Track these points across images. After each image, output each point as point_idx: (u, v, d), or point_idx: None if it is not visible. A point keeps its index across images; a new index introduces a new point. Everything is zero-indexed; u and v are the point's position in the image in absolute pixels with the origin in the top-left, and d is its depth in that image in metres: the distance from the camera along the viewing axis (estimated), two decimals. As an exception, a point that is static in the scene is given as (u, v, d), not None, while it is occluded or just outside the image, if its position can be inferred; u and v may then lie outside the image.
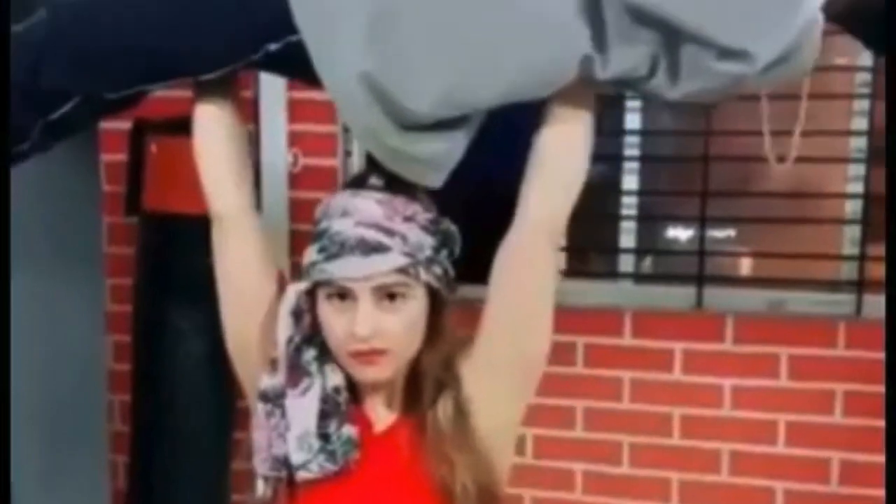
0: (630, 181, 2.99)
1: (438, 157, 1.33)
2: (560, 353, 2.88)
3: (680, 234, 3.21)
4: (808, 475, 2.84)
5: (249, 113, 2.62)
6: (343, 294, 1.31)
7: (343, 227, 1.31)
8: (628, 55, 1.29)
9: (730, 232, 3.20)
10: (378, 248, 1.29)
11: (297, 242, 2.93)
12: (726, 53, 1.25)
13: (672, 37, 1.27)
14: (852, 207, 2.85)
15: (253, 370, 1.42)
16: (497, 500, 1.40)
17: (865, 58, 2.76)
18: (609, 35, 1.27)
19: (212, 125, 1.45)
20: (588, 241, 3.10)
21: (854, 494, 2.81)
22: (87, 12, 1.41)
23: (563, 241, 2.92)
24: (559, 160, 1.36)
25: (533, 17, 1.26)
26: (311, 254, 1.35)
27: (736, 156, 2.93)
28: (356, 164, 3.01)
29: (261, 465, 1.38)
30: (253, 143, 2.80)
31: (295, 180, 2.91)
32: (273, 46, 1.34)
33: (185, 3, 1.36)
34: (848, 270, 2.86)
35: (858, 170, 2.82)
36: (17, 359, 2.80)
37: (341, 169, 3.00)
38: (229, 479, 2.94)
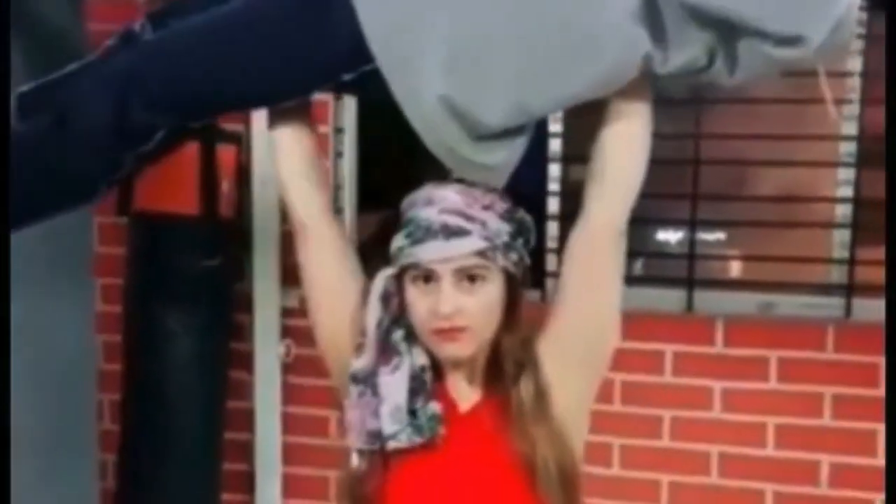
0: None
1: (503, 161, 1.44)
2: (550, 356, 2.92)
3: (670, 236, 3.22)
4: (797, 478, 2.86)
5: (241, 116, 2.62)
6: (427, 277, 1.42)
7: (428, 215, 1.43)
8: (687, 49, 1.36)
9: (720, 235, 3.21)
10: (459, 233, 1.40)
11: (289, 244, 2.94)
12: (783, 41, 1.32)
13: (729, 29, 1.33)
14: (842, 211, 2.86)
15: (343, 359, 1.51)
16: (576, 477, 1.49)
17: (855, 63, 2.78)
18: (668, 32, 1.34)
19: (291, 142, 1.55)
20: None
21: (843, 497, 2.82)
22: (167, 55, 1.53)
23: (552, 240, 2.93)
24: (621, 162, 1.45)
25: (593, 23, 1.34)
26: (398, 240, 1.45)
27: (727, 159, 2.94)
28: (347, 164, 3.01)
29: (355, 439, 1.47)
30: (244, 145, 2.81)
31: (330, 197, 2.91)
32: (347, 76, 1.45)
33: (264, 39, 1.46)
34: (837, 274, 2.87)
35: (848, 174, 2.83)
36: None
37: (332, 170, 3.00)
38: (219, 479, 2.94)
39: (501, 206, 1.46)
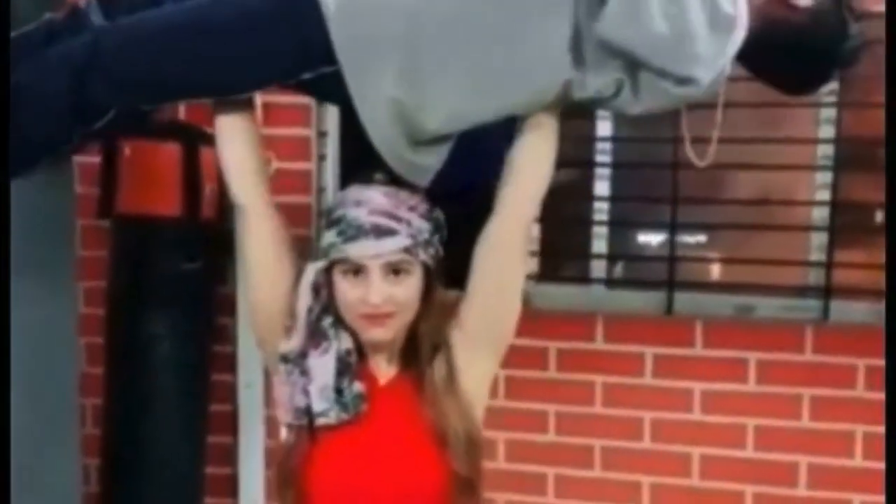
0: (601, 187, 3.02)
1: (434, 163, 1.61)
2: (532, 358, 2.94)
3: (651, 239, 3.24)
4: (776, 479, 2.88)
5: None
6: (357, 269, 1.57)
7: (358, 214, 1.57)
8: (599, 79, 1.56)
9: (700, 238, 3.24)
10: (388, 232, 1.56)
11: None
12: (680, 81, 1.53)
13: (635, 66, 1.54)
14: (819, 214, 2.89)
15: (273, 339, 1.65)
16: (479, 445, 1.64)
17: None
18: (587, 61, 1.55)
19: (235, 130, 1.66)
20: (560, 246, 3.13)
21: (822, 498, 2.85)
22: (130, 40, 1.62)
23: (533, 242, 2.95)
24: (535, 165, 1.63)
25: (531, 48, 1.53)
26: (328, 237, 1.59)
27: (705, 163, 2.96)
28: (330, 167, 3.02)
29: (284, 415, 1.63)
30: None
31: (269, 183, 2.91)
32: (306, 75, 1.58)
33: (224, 33, 1.58)
34: (815, 277, 2.90)
35: (825, 177, 2.86)
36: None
37: (315, 172, 3.01)
38: (202, 482, 2.94)
39: (423, 206, 1.62)
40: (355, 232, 1.56)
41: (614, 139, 3.01)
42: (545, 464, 3.01)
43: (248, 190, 1.67)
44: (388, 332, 1.61)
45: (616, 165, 3.03)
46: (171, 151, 2.67)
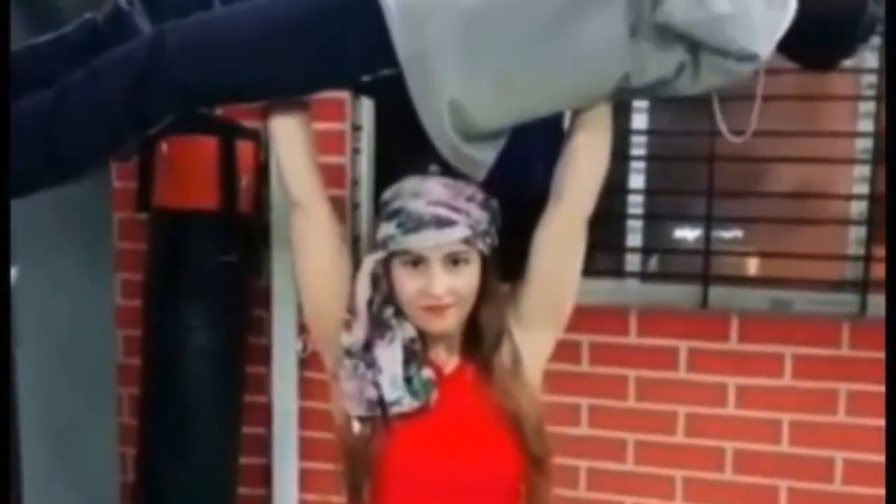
0: (637, 180, 3.01)
1: (490, 157, 1.63)
2: (565, 351, 2.92)
3: (686, 233, 3.22)
4: (811, 474, 2.86)
5: (260, 113, 2.64)
6: (417, 261, 1.59)
7: (417, 206, 1.58)
8: (661, 65, 1.57)
9: (735, 232, 3.22)
10: (448, 223, 1.57)
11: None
12: (741, 58, 1.55)
13: (696, 47, 1.55)
14: (857, 208, 2.86)
15: (330, 332, 1.68)
16: (544, 426, 1.68)
17: (871, 60, 2.78)
18: (645, 49, 1.55)
19: (293, 131, 1.67)
20: (595, 239, 3.09)
21: (857, 494, 2.83)
22: (195, 43, 1.59)
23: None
24: (593, 157, 1.67)
25: (590, 40, 1.54)
26: (386, 229, 1.61)
27: (742, 156, 2.94)
28: (364, 161, 3.03)
29: (355, 408, 1.63)
30: (263, 142, 2.83)
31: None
32: (366, 78, 1.59)
33: (287, 35, 1.57)
34: (853, 271, 2.88)
35: (864, 171, 2.83)
36: (29, 351, 2.84)
37: (349, 166, 3.02)
38: (237, 472, 2.97)
39: (480, 196, 1.63)
40: (415, 224, 1.57)
41: (650, 132, 2.99)
42: (577, 457, 3.00)
43: (307, 188, 1.67)
44: (449, 323, 1.63)
45: (651, 158, 3.01)
46: (207, 146, 2.69)
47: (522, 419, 1.63)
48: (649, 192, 3.03)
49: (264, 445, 3.10)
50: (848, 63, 2.86)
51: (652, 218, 3.07)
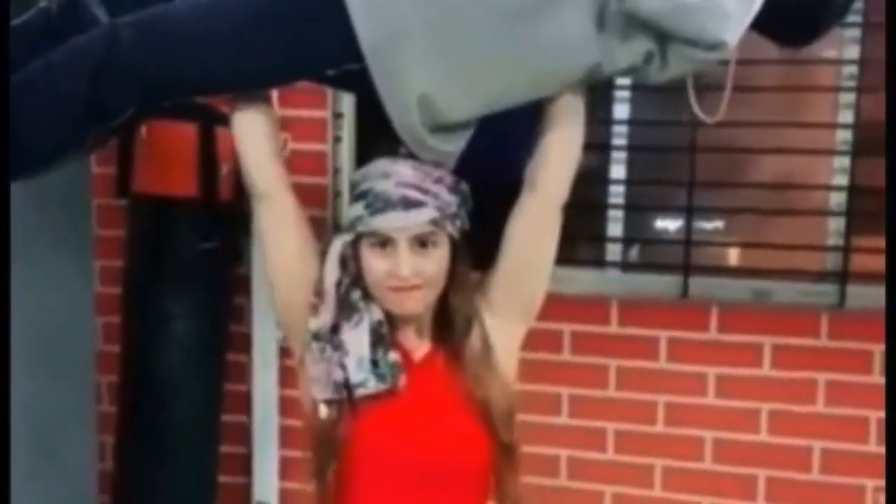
0: (618, 171, 3.01)
1: (456, 149, 1.63)
2: (546, 340, 2.93)
3: (667, 223, 3.23)
4: (790, 463, 2.87)
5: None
6: (384, 242, 1.58)
7: (386, 187, 1.57)
8: (629, 53, 1.56)
9: (716, 222, 3.22)
10: (416, 204, 1.56)
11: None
12: (710, 46, 1.54)
13: (664, 36, 1.54)
14: (837, 199, 2.87)
15: (301, 321, 1.65)
16: (515, 410, 1.68)
17: (852, 51, 2.79)
18: (614, 38, 1.55)
19: (254, 123, 1.66)
20: (576, 229, 3.08)
21: (835, 483, 2.84)
22: (153, 34, 1.58)
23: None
24: (565, 145, 1.66)
25: (557, 29, 1.53)
26: (355, 210, 1.61)
27: (723, 147, 2.95)
28: (346, 149, 3.02)
29: (321, 392, 1.63)
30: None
31: (285, 165, 2.91)
32: (330, 72, 1.58)
33: (248, 28, 1.55)
34: (832, 261, 2.89)
35: (843, 162, 2.84)
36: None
37: (330, 154, 3.01)
38: (217, 460, 2.96)
39: (449, 179, 1.63)
40: (383, 204, 1.56)
41: (631, 122, 2.99)
42: (558, 446, 3.01)
43: (269, 177, 1.67)
44: (417, 305, 1.62)
45: (632, 148, 3.01)
46: (186, 131, 2.67)
47: (492, 407, 1.63)
48: (630, 182, 3.03)
49: (245, 434, 3.10)
50: (829, 54, 2.89)
51: (633, 208, 3.07)
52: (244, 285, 2.98)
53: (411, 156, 1.61)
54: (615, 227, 3.04)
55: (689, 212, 2.95)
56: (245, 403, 3.06)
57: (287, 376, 3.02)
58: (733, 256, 3.23)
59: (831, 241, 2.89)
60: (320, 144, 2.99)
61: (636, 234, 3.16)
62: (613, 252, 3.07)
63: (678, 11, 1.49)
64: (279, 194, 1.68)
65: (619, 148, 3.00)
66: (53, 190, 2.83)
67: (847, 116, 2.83)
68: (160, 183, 2.71)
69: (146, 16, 1.60)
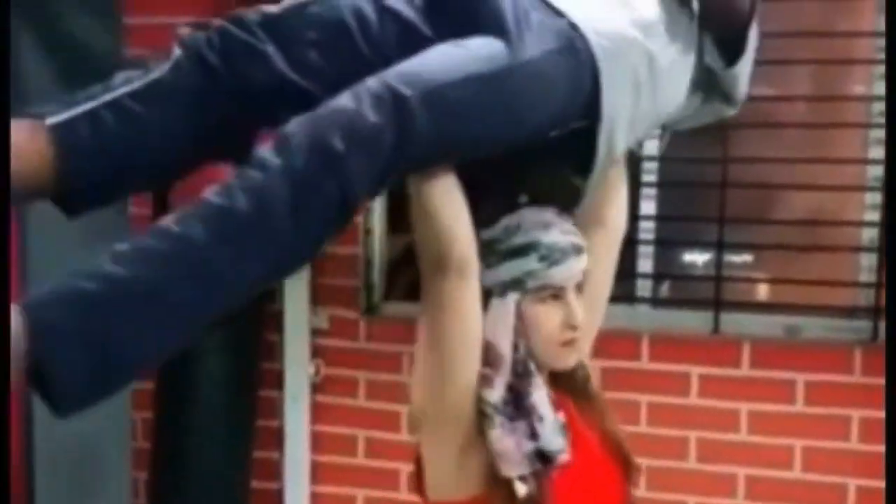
0: (648, 206, 3.02)
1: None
2: (577, 376, 2.93)
3: (697, 259, 3.23)
4: (824, 500, 2.85)
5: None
6: (557, 294, 1.49)
7: (555, 238, 1.49)
8: (689, 106, 1.70)
9: (747, 258, 3.22)
10: (581, 250, 1.52)
11: (319, 264, 2.98)
12: (736, 104, 1.74)
13: (711, 92, 1.71)
14: (868, 235, 2.87)
15: (464, 400, 1.46)
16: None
17: (881, 87, 2.79)
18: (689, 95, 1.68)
19: (446, 182, 1.41)
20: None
21: (870, 521, 2.82)
22: (441, 110, 1.28)
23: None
24: (622, 180, 1.73)
25: (679, 90, 1.65)
26: (522, 265, 1.49)
27: (753, 182, 2.95)
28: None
29: (515, 468, 1.45)
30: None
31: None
32: (553, 133, 1.45)
33: (532, 90, 1.38)
34: (864, 297, 2.88)
35: (875, 198, 2.84)
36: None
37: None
38: (249, 496, 2.97)
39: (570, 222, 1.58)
40: (560, 255, 1.48)
41: (661, 158, 3.00)
42: (590, 483, 3.00)
43: (467, 243, 1.43)
44: (576, 356, 1.55)
45: (663, 185, 3.03)
46: (221, 172, 2.71)
47: (623, 442, 1.58)
48: (660, 218, 3.04)
49: (276, 470, 3.11)
50: (858, 90, 2.90)
51: (663, 244, 3.08)
52: (276, 322, 3.00)
53: (531, 203, 1.54)
54: (646, 263, 3.04)
55: (720, 248, 2.95)
56: (277, 440, 3.08)
57: (318, 412, 3.04)
58: (763, 291, 3.23)
59: (863, 277, 2.88)
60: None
61: (667, 269, 3.16)
62: (644, 288, 3.07)
63: (741, 75, 1.65)
64: (472, 261, 1.45)
65: (649, 185, 3.01)
66: (94, 227, 2.87)
67: (878, 152, 2.83)
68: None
69: (426, 84, 1.27)
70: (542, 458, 1.45)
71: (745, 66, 1.68)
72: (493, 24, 1.38)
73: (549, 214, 1.52)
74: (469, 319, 1.45)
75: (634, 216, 3.00)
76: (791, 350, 2.87)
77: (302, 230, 1.17)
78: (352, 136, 1.17)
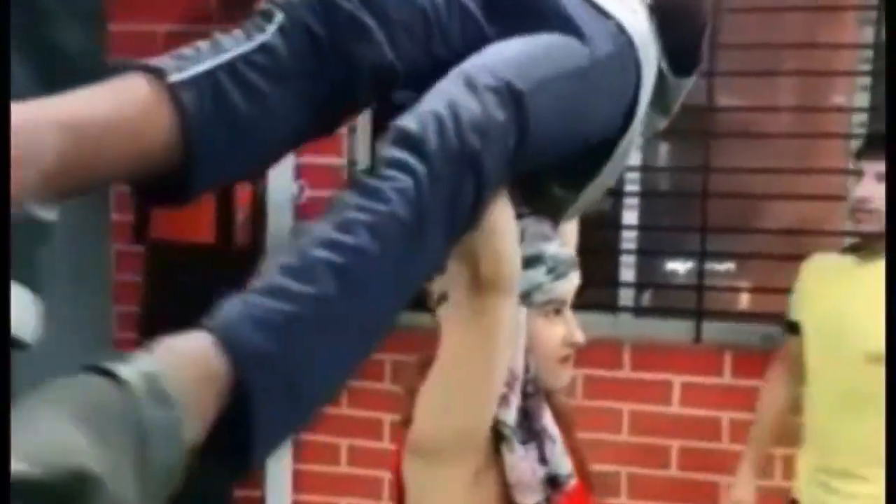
0: (630, 216, 3.04)
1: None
2: (560, 385, 2.94)
3: (679, 268, 3.24)
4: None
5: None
6: (559, 308, 1.42)
7: (557, 249, 1.43)
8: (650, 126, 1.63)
9: (729, 266, 3.24)
10: (577, 264, 1.46)
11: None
12: (670, 115, 1.64)
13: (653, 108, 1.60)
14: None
15: (484, 423, 1.34)
16: None
17: (862, 99, 2.81)
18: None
19: (509, 209, 1.27)
20: (588, 274, 3.13)
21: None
22: (547, 96, 1.20)
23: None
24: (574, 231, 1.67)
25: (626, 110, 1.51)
26: (535, 277, 1.39)
27: (735, 192, 2.97)
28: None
29: (530, 496, 1.37)
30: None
31: (300, 211, 2.96)
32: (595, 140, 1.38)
33: (598, 89, 1.32)
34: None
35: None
36: (24, 384, 2.84)
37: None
38: (231, 505, 2.97)
39: None
40: (565, 267, 1.42)
41: (643, 168, 3.02)
42: (572, 491, 3.00)
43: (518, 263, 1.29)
44: (570, 373, 1.47)
45: (644, 195, 3.04)
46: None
47: (586, 458, 1.53)
48: (643, 227, 3.05)
49: (259, 478, 3.10)
50: (839, 101, 2.92)
51: (645, 253, 3.09)
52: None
53: (530, 214, 1.45)
54: (628, 272, 3.06)
55: (702, 257, 2.97)
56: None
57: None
58: (744, 300, 3.24)
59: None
60: (336, 191, 3.02)
61: (649, 278, 3.17)
62: (626, 297, 3.08)
63: (687, 87, 1.59)
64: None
65: (631, 194, 3.02)
66: (73, 236, 2.87)
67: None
68: (178, 229, 2.74)
69: (532, 79, 1.17)
70: (552, 482, 1.39)
71: (693, 78, 1.61)
72: (556, 22, 1.29)
73: (547, 227, 1.45)
74: (509, 341, 1.33)
75: (617, 226, 3.03)
76: (773, 359, 2.88)
77: (446, 233, 1.09)
78: (486, 135, 1.09)
